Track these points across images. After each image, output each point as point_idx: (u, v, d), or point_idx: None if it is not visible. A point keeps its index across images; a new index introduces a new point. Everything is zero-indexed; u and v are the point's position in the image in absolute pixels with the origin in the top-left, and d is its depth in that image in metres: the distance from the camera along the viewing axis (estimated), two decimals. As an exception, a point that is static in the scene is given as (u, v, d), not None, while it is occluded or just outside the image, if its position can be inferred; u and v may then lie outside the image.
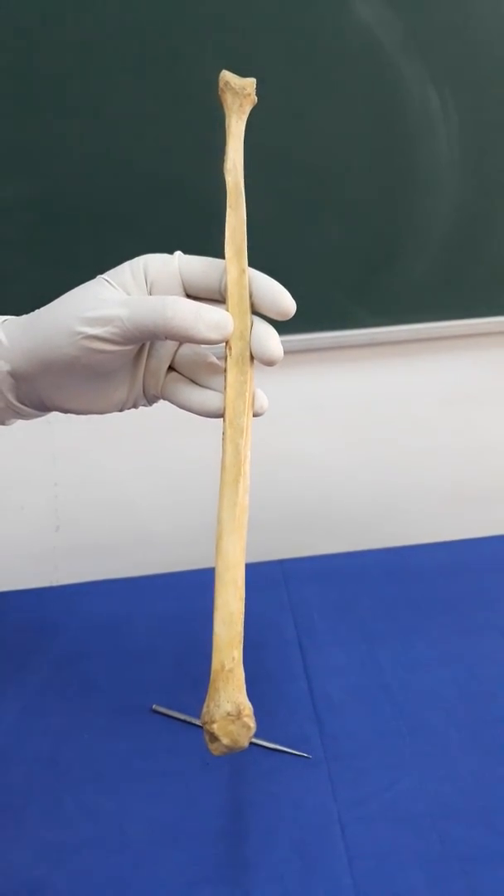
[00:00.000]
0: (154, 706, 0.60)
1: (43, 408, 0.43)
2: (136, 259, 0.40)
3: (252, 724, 0.32)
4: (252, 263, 0.40)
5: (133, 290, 0.39)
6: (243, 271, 0.39)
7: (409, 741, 0.57)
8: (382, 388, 0.99)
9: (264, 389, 0.41)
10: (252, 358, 0.39)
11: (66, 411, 0.42)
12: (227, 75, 0.42)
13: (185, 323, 0.36)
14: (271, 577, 0.75)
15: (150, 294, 0.40)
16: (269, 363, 0.39)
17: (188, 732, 0.58)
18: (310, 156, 0.81)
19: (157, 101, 0.76)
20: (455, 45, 0.77)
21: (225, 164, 0.41)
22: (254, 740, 0.55)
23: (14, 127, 0.76)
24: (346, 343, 0.93)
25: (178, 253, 0.41)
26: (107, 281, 0.39)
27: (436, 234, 0.86)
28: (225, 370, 0.39)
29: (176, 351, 0.42)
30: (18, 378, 0.40)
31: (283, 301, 0.39)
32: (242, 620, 0.34)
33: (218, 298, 0.40)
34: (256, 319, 0.39)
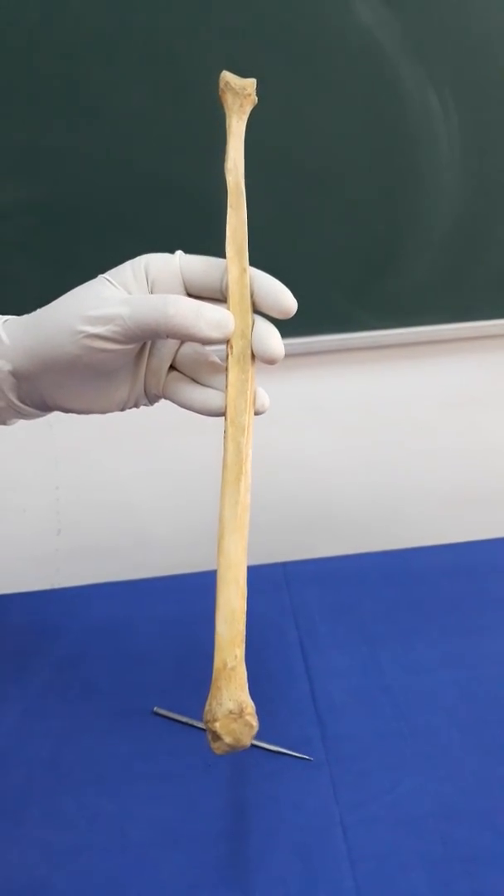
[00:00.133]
0: (155, 708, 0.60)
1: (44, 407, 0.43)
2: (138, 258, 0.40)
3: (254, 722, 0.32)
4: (252, 265, 0.40)
5: (134, 290, 0.39)
6: (244, 270, 0.39)
7: (410, 743, 0.57)
8: (384, 391, 0.99)
9: (265, 391, 0.41)
10: (253, 357, 0.39)
11: (67, 411, 0.42)
12: (227, 76, 0.42)
13: (187, 321, 0.36)
14: (273, 579, 0.74)
15: (152, 293, 0.40)
16: (271, 362, 0.39)
17: (189, 735, 0.58)
18: (310, 157, 0.81)
19: (158, 103, 0.76)
20: (455, 46, 0.77)
21: (226, 163, 0.41)
22: (255, 742, 0.55)
23: (15, 128, 0.76)
24: (347, 346, 0.93)
25: (179, 252, 0.41)
26: (108, 280, 0.39)
27: (437, 236, 0.86)
28: (226, 369, 0.39)
29: (177, 350, 0.42)
30: (20, 377, 0.40)
31: (285, 300, 0.39)
32: (244, 619, 0.34)
33: (219, 297, 0.40)
34: (258, 318, 0.39)
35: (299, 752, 0.56)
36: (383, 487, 1.05)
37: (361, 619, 0.69)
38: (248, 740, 0.32)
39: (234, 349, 0.38)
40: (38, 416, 0.44)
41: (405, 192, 0.84)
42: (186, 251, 0.41)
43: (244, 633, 0.34)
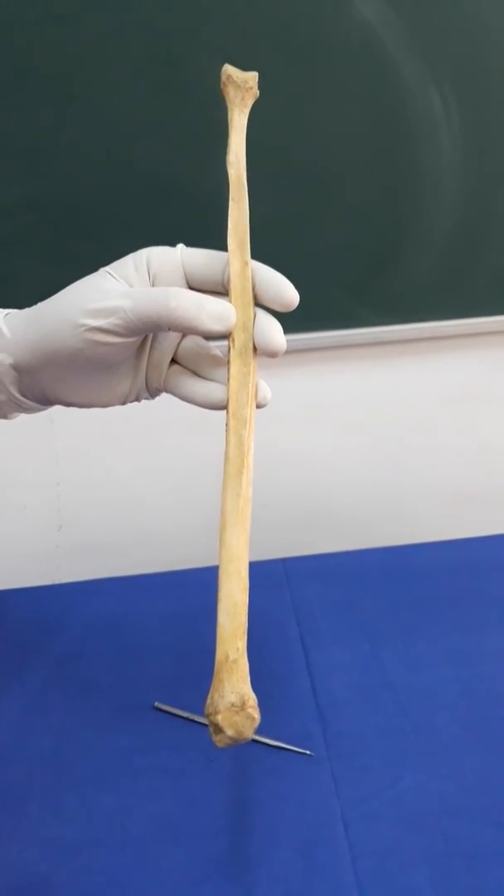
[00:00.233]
0: (156, 703, 0.60)
1: (45, 401, 0.43)
2: (139, 252, 0.40)
3: (256, 715, 0.32)
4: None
5: (136, 283, 0.39)
6: (246, 263, 0.39)
7: (412, 739, 0.57)
8: (385, 388, 0.99)
9: (266, 385, 0.40)
10: (255, 350, 0.39)
11: (68, 404, 0.42)
12: (228, 69, 0.42)
13: (189, 314, 0.36)
14: (274, 575, 0.75)
15: (153, 287, 0.40)
16: (273, 355, 0.39)
17: (190, 730, 0.58)
18: (311, 155, 0.81)
19: (158, 101, 0.76)
20: (457, 45, 0.77)
21: (227, 156, 0.41)
22: (257, 738, 0.55)
23: (15, 127, 0.76)
24: (349, 342, 0.93)
25: (180, 245, 0.41)
26: (109, 273, 0.39)
27: (438, 233, 0.86)
28: (228, 362, 0.39)
29: (179, 343, 0.42)
30: (21, 371, 0.40)
31: (287, 292, 0.39)
32: (246, 611, 0.34)
33: (221, 291, 0.40)
34: (259, 311, 0.39)
35: (301, 748, 0.56)
36: (384, 484, 1.05)
37: (362, 616, 0.69)
38: (250, 733, 0.32)
39: (236, 342, 0.38)
40: (39, 409, 0.44)
41: (406, 190, 0.84)
42: (187, 246, 0.41)
43: (246, 625, 0.34)
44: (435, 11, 0.75)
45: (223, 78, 0.42)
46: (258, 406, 0.39)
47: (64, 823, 0.52)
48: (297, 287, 0.39)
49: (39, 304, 0.40)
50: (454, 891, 0.47)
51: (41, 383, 0.41)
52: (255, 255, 0.40)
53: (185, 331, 0.38)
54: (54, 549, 1.03)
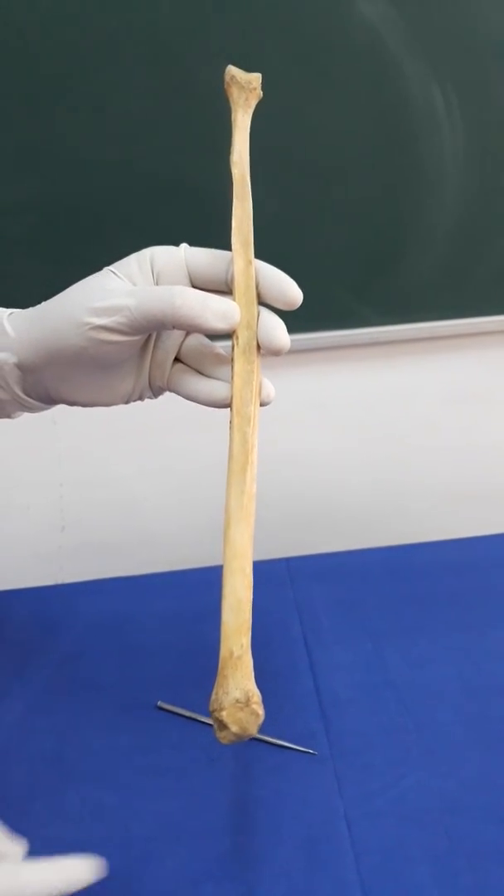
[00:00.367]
0: (159, 703, 0.60)
1: (49, 400, 0.43)
2: (143, 251, 0.40)
3: (261, 711, 0.32)
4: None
5: (140, 282, 0.39)
6: (250, 262, 0.39)
7: (414, 737, 0.57)
8: (386, 387, 0.99)
9: (270, 382, 0.40)
10: (259, 348, 0.39)
11: (72, 403, 0.42)
12: (232, 70, 0.43)
13: (193, 312, 0.36)
14: (276, 575, 0.75)
15: (157, 285, 0.40)
16: (277, 352, 0.39)
17: (193, 729, 0.58)
18: (313, 154, 0.81)
19: (159, 101, 0.76)
20: (459, 44, 0.77)
21: (231, 156, 0.41)
22: (260, 736, 0.55)
23: (16, 127, 0.76)
24: (350, 342, 0.93)
25: (183, 245, 0.41)
26: (113, 272, 0.39)
27: (440, 233, 0.86)
28: (232, 360, 0.39)
29: (182, 342, 0.42)
30: (25, 370, 0.40)
31: (290, 290, 0.39)
32: (250, 608, 0.34)
33: (224, 290, 0.40)
34: (263, 310, 0.39)
35: (304, 747, 0.56)
36: (385, 483, 1.05)
37: (365, 615, 0.69)
38: (254, 729, 0.32)
39: (240, 340, 0.38)
40: (42, 409, 0.44)
41: (408, 189, 0.84)
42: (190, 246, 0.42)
43: (250, 622, 0.34)
44: (437, 11, 0.76)
45: (227, 78, 0.42)
46: (262, 404, 0.39)
47: (66, 823, 0.51)
48: (298, 286, 0.40)
49: (43, 304, 0.40)
50: (457, 888, 0.46)
51: (45, 382, 0.41)
52: (257, 254, 0.41)
53: (190, 329, 0.38)
54: (57, 549, 1.03)
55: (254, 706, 0.32)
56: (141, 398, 0.44)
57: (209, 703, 0.33)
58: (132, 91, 0.76)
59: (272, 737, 0.56)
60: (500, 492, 1.07)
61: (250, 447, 0.37)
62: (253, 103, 0.43)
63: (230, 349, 0.39)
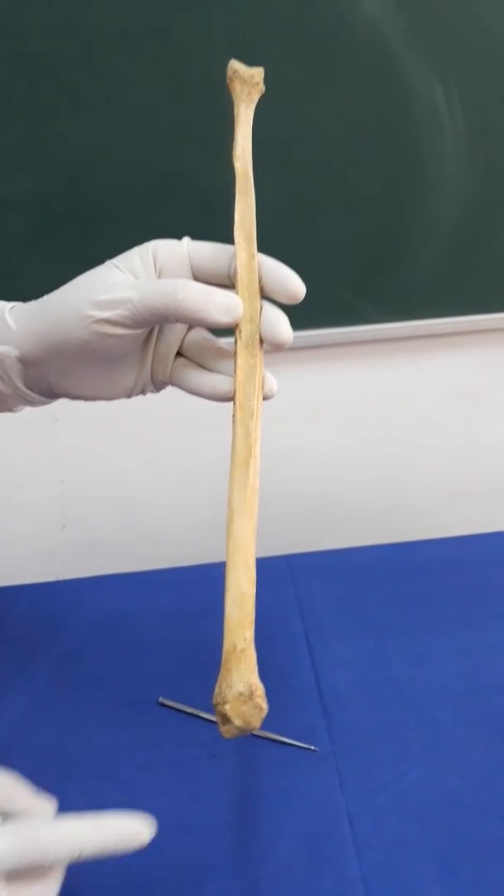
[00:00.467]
0: (161, 699, 0.60)
1: (51, 394, 0.43)
2: (145, 244, 0.40)
3: (264, 705, 0.32)
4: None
5: (142, 275, 0.39)
6: (253, 256, 0.39)
7: (416, 734, 0.56)
8: (387, 384, 0.99)
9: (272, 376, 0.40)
10: (261, 341, 0.39)
11: (74, 397, 0.42)
12: (235, 64, 0.43)
13: (196, 305, 0.36)
14: (278, 572, 0.75)
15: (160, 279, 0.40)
16: (279, 346, 0.39)
17: (195, 725, 0.58)
18: (314, 150, 0.81)
19: (161, 96, 0.76)
20: (460, 40, 0.77)
21: (234, 150, 0.41)
22: (261, 733, 0.55)
23: (18, 123, 0.76)
24: (351, 339, 0.93)
25: (186, 238, 0.41)
26: (116, 266, 0.39)
27: (441, 230, 0.86)
28: (234, 354, 0.39)
29: (184, 336, 0.42)
30: (27, 363, 0.40)
31: (293, 284, 0.39)
32: (254, 602, 0.34)
33: (227, 283, 0.40)
34: (266, 303, 0.39)
35: (306, 743, 0.56)
36: (387, 480, 1.05)
37: (366, 612, 0.69)
38: (258, 723, 0.32)
39: (243, 334, 0.38)
40: (44, 402, 0.44)
41: (409, 186, 0.84)
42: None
43: (253, 615, 0.34)
44: (439, 8, 0.76)
45: (229, 73, 0.42)
46: (264, 398, 0.39)
47: (68, 818, 0.52)
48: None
49: (45, 297, 0.40)
50: (459, 884, 0.46)
51: (47, 376, 0.41)
52: (259, 249, 0.40)
53: (193, 322, 0.38)
54: (58, 546, 1.03)
55: (257, 700, 0.32)
56: (143, 392, 0.44)
57: (212, 697, 0.33)
58: (134, 86, 0.76)
59: (274, 733, 0.56)
60: (500, 489, 1.07)
61: (253, 441, 0.37)
62: (255, 98, 0.43)
63: (233, 343, 0.39)
